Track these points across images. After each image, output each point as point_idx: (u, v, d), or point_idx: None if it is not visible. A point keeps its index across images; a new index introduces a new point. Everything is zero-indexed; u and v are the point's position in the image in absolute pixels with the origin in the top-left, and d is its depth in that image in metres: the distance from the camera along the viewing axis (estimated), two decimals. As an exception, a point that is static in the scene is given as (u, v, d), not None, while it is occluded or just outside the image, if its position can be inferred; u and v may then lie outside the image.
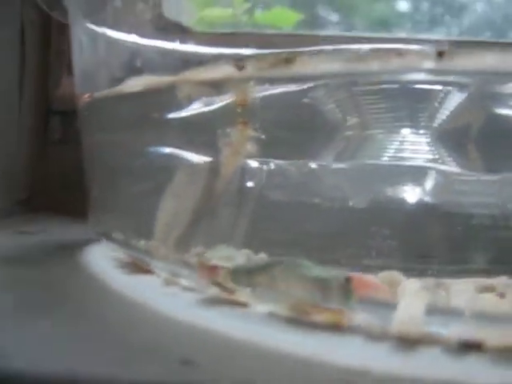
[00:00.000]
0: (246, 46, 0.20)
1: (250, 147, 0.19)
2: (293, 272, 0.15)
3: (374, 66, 0.15)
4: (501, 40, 0.22)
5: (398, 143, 0.18)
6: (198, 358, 0.12)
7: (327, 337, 0.13)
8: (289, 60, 0.14)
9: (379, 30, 0.22)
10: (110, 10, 0.25)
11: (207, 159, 0.20)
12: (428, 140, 0.18)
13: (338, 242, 0.18)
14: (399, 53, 0.14)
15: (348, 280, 0.14)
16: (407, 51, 0.14)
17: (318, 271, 0.15)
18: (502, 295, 0.15)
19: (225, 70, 0.16)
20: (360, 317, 0.13)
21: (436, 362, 0.12)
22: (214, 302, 0.16)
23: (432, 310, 0.13)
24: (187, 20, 0.29)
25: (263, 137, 0.19)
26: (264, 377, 0.11)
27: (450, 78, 0.16)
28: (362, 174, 0.18)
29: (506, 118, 0.18)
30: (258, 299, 0.15)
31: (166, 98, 0.20)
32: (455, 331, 0.12)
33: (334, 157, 0.19)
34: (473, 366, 0.12)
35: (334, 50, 0.18)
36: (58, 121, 0.34)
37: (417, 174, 0.18)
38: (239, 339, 0.13)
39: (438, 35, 0.22)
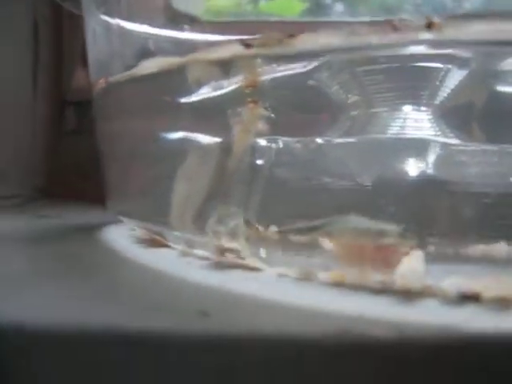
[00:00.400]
0: (252, 34, 0.21)
1: (261, 125, 0.19)
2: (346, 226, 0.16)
3: (373, 39, 0.16)
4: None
5: (401, 120, 0.19)
6: (212, 310, 0.13)
7: (332, 293, 0.14)
8: (291, 36, 0.15)
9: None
10: (122, 0, 0.26)
11: (218, 140, 0.21)
12: (430, 117, 0.19)
13: (345, 215, 0.18)
14: (394, 26, 0.15)
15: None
16: (401, 24, 0.15)
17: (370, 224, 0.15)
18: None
19: (232, 49, 0.17)
20: (361, 274, 0.14)
21: (434, 311, 0.13)
22: (227, 266, 0.17)
23: (432, 265, 0.14)
24: (195, 10, 0.30)
25: (273, 115, 0.19)
26: (271, 326, 0.12)
27: (449, 51, 0.17)
28: (368, 147, 0.19)
29: (508, 95, 0.18)
30: (270, 264, 0.16)
31: (177, 81, 0.21)
32: (453, 284, 0.13)
33: (341, 135, 0.19)
34: (470, 314, 0.13)
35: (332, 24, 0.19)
36: (73, 111, 0.35)
37: (420, 147, 0.18)
38: (250, 295, 0.14)
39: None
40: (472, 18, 0.16)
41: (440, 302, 0.13)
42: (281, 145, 0.20)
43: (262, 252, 0.17)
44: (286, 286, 0.15)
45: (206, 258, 0.18)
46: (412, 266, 0.13)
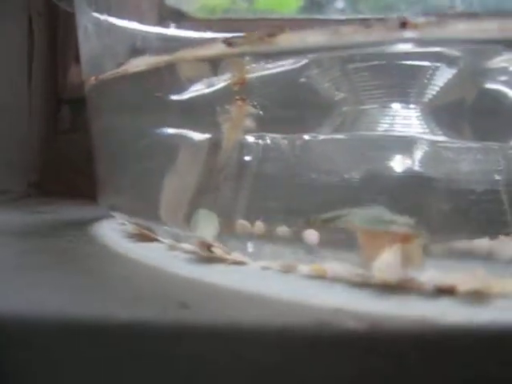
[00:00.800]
0: (247, 31, 0.22)
1: (249, 123, 0.20)
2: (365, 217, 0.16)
3: (358, 38, 0.16)
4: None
5: (390, 118, 0.19)
6: (192, 302, 0.13)
7: (312, 285, 0.14)
8: (271, 35, 0.15)
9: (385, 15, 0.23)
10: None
11: (207, 136, 0.21)
12: (418, 114, 0.19)
13: (332, 210, 0.19)
14: (368, 25, 0.15)
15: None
16: (374, 23, 0.15)
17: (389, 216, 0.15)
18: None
19: (216, 47, 0.18)
20: (341, 267, 0.15)
21: (411, 303, 0.13)
22: (212, 260, 0.17)
23: (409, 259, 0.14)
24: (188, 7, 0.31)
25: (261, 113, 0.20)
26: (249, 317, 0.12)
27: (437, 49, 0.17)
28: (355, 144, 0.19)
29: (496, 92, 0.19)
30: (254, 257, 0.17)
31: (168, 78, 0.22)
32: (430, 277, 0.14)
33: (331, 131, 0.20)
34: (445, 306, 0.13)
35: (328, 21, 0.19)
36: (68, 109, 0.35)
37: (408, 145, 0.19)
38: (231, 288, 0.14)
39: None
40: (457, 17, 0.17)
41: (417, 296, 0.13)
42: (268, 141, 0.20)
43: (250, 246, 0.18)
44: (268, 279, 0.15)
45: (193, 252, 0.18)
46: (389, 260, 0.14)
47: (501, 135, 0.18)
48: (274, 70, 0.21)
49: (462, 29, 0.17)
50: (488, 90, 0.18)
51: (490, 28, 0.17)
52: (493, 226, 0.17)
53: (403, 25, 0.14)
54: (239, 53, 0.18)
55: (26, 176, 0.33)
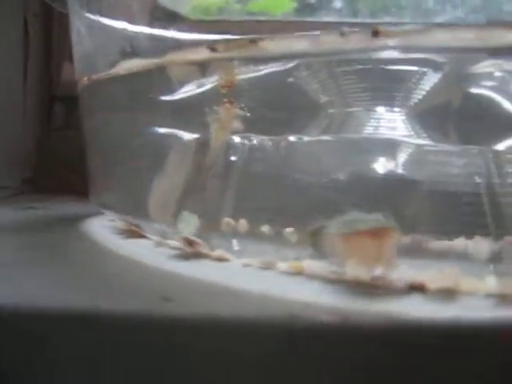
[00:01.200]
0: (241, 32, 0.22)
1: (236, 124, 0.20)
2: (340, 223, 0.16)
3: (336, 45, 0.17)
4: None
5: (375, 121, 0.20)
6: (175, 296, 0.14)
7: (289, 281, 0.15)
8: (252, 41, 0.16)
9: (382, 17, 0.23)
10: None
11: (195, 136, 0.22)
12: (403, 118, 0.20)
13: (316, 210, 0.19)
14: (342, 33, 0.16)
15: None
16: (348, 32, 0.16)
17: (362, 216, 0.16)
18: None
19: (201, 52, 0.18)
20: (318, 264, 0.15)
21: (381, 300, 0.14)
22: (196, 256, 0.18)
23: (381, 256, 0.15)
24: (182, 8, 0.31)
25: (249, 115, 0.20)
26: (226, 310, 0.13)
27: (422, 56, 0.18)
28: (339, 146, 0.20)
29: (481, 97, 0.19)
30: (236, 255, 0.17)
31: (158, 80, 0.22)
32: (401, 275, 0.14)
33: (318, 133, 0.20)
34: (415, 303, 0.14)
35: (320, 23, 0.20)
36: (61, 107, 0.36)
37: (391, 147, 0.19)
38: (212, 282, 0.15)
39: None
40: (438, 26, 0.17)
41: (388, 292, 0.14)
42: (254, 142, 0.21)
43: (233, 244, 0.18)
44: (248, 275, 0.16)
45: (179, 249, 0.19)
46: (360, 258, 0.14)
47: (483, 139, 0.19)
48: (262, 72, 0.21)
49: (441, 37, 0.18)
50: (473, 94, 0.19)
51: (468, 37, 0.18)
52: (473, 228, 0.18)
53: (375, 33, 0.15)
54: (223, 58, 0.18)
55: (20, 173, 0.34)
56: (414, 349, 0.12)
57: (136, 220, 0.21)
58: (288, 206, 0.20)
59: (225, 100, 0.20)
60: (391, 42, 0.16)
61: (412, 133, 0.20)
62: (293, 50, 0.17)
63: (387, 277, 0.14)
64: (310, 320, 0.12)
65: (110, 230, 0.23)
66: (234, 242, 0.18)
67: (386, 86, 0.20)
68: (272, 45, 0.17)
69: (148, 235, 0.21)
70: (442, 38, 0.18)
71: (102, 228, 0.23)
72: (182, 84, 0.22)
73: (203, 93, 0.21)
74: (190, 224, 0.19)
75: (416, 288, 0.14)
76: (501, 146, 0.19)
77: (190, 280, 0.15)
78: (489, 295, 0.14)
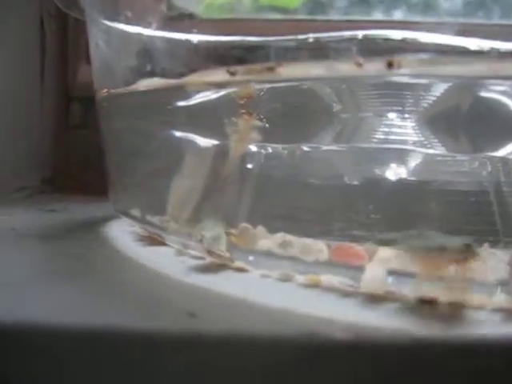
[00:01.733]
0: (252, 31, 0.23)
1: (255, 135, 0.21)
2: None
3: (353, 71, 0.17)
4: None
5: (386, 127, 0.20)
6: (200, 311, 0.14)
7: (306, 294, 0.16)
8: (270, 69, 0.17)
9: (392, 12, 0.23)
10: (123, 5, 0.27)
11: (215, 142, 0.22)
12: (413, 124, 0.20)
13: (329, 216, 0.20)
14: (358, 63, 0.16)
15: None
16: (364, 63, 0.17)
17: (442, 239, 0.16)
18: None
19: (220, 75, 0.19)
20: (336, 278, 0.16)
21: (394, 314, 0.14)
22: (217, 267, 0.19)
23: (395, 273, 0.15)
24: (195, 7, 0.31)
25: (267, 125, 0.21)
26: (246, 327, 0.14)
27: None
28: (351, 155, 0.21)
29: (491, 102, 0.20)
30: (255, 266, 0.18)
31: (177, 93, 0.23)
32: (413, 289, 0.15)
33: (333, 138, 0.21)
34: (424, 319, 0.14)
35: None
36: (78, 106, 0.37)
37: (400, 156, 0.20)
38: (235, 297, 0.16)
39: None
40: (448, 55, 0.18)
41: (400, 307, 0.15)
42: (270, 151, 0.21)
43: (251, 256, 0.19)
44: (267, 288, 0.17)
45: (200, 257, 0.20)
46: (375, 273, 0.15)
47: (493, 143, 0.19)
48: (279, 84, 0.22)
49: (453, 70, 0.18)
50: (483, 98, 0.20)
51: (479, 69, 0.19)
52: (483, 235, 0.18)
53: (390, 65, 0.15)
54: (241, 81, 0.19)
55: (40, 173, 0.35)
56: (428, 365, 0.13)
57: (154, 229, 0.22)
58: (303, 213, 0.20)
59: (243, 111, 0.21)
60: (405, 71, 0.16)
61: (423, 138, 0.20)
62: (309, 75, 0.18)
63: (399, 291, 0.15)
64: (325, 337, 0.13)
65: (131, 235, 0.23)
66: (252, 255, 0.19)
67: (396, 92, 0.20)
68: (288, 71, 0.17)
69: (169, 243, 0.22)
70: (455, 70, 0.18)
71: (123, 233, 0.24)
72: (200, 93, 0.22)
73: (221, 103, 0.22)
74: (215, 233, 0.20)
75: (427, 302, 0.15)
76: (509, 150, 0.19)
77: (210, 294, 0.16)
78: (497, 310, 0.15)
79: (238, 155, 0.21)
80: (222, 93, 0.22)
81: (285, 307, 0.15)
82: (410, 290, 0.15)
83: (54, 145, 0.36)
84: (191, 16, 0.34)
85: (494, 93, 0.19)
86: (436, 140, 0.20)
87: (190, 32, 0.26)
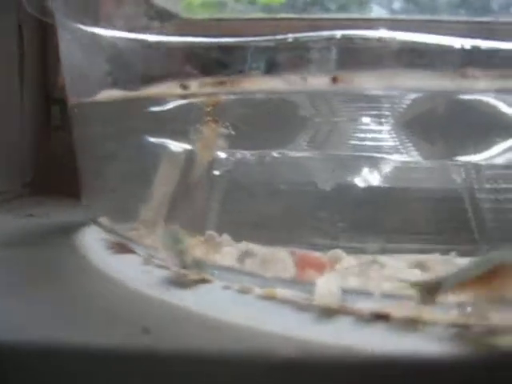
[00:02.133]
0: (232, 32, 0.23)
1: (221, 142, 0.21)
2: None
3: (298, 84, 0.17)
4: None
5: (361, 132, 0.20)
6: (155, 326, 0.15)
7: (263, 307, 0.16)
8: (222, 83, 0.16)
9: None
10: (96, 7, 0.26)
11: (186, 147, 0.22)
12: (389, 129, 0.20)
13: (295, 223, 0.20)
14: (303, 78, 0.16)
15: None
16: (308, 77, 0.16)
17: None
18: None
19: (171, 89, 0.19)
20: (290, 292, 0.16)
21: (347, 329, 0.14)
22: (181, 278, 0.19)
23: (349, 288, 0.16)
24: (175, 6, 0.31)
25: (233, 132, 0.21)
26: (198, 343, 0.14)
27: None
28: (323, 161, 0.21)
29: (468, 104, 0.19)
30: (218, 277, 0.18)
31: (144, 101, 0.23)
32: (367, 305, 0.15)
33: (307, 144, 0.21)
34: (377, 333, 0.14)
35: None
36: (59, 109, 0.36)
37: (373, 163, 0.20)
38: (193, 311, 0.16)
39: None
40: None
41: (353, 321, 0.15)
42: (238, 157, 0.21)
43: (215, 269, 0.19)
44: (226, 301, 0.17)
45: (165, 267, 0.20)
46: (329, 287, 0.15)
47: (468, 146, 0.19)
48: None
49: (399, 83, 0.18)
50: (460, 101, 0.19)
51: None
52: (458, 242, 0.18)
53: (334, 80, 0.15)
54: (195, 94, 0.19)
55: (21, 177, 0.35)
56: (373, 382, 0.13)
57: (123, 236, 0.22)
58: (270, 221, 0.20)
59: (209, 118, 0.21)
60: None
61: (398, 143, 0.20)
62: (265, 88, 0.18)
63: (353, 306, 0.15)
64: (271, 353, 0.13)
65: (102, 242, 0.23)
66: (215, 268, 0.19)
67: (371, 97, 0.20)
68: (242, 86, 0.17)
69: (136, 251, 0.22)
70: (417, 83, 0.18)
71: (95, 240, 0.24)
72: (168, 101, 0.22)
73: (189, 110, 0.22)
74: (176, 243, 0.20)
75: (380, 317, 0.15)
76: (484, 155, 0.19)
77: (169, 307, 0.16)
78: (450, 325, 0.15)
79: (205, 162, 0.21)
80: (190, 100, 0.22)
81: (238, 322, 0.15)
82: (364, 304, 0.15)
83: (34, 148, 0.36)
84: (171, 16, 0.34)
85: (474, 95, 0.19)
86: (411, 145, 0.20)
87: (167, 34, 0.25)
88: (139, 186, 0.23)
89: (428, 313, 0.15)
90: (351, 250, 0.18)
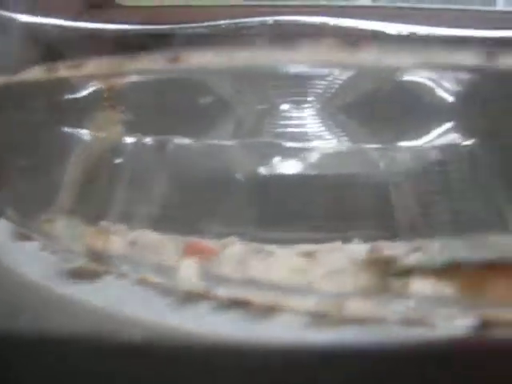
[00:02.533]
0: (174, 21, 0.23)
1: (119, 128, 0.21)
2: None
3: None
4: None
5: (283, 118, 0.20)
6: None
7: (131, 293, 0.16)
8: (78, 65, 0.17)
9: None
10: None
11: (89, 135, 0.22)
12: (314, 114, 0.20)
13: (193, 212, 0.20)
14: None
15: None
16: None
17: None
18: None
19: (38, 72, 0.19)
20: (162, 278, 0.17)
21: (203, 315, 0.15)
22: (78, 270, 0.19)
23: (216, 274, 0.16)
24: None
25: (133, 119, 0.21)
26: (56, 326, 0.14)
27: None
28: (238, 149, 0.21)
29: (397, 88, 0.20)
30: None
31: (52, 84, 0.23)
32: (227, 291, 0.16)
33: (231, 131, 0.21)
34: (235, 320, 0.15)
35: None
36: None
37: (293, 150, 0.20)
38: (67, 297, 0.16)
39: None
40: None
41: (212, 307, 0.15)
42: (140, 145, 0.22)
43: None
44: (99, 287, 0.17)
45: (60, 253, 0.20)
46: (189, 272, 0.16)
47: (396, 131, 0.19)
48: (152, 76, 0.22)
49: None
50: (389, 84, 0.20)
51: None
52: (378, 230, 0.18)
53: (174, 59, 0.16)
54: (84, 75, 0.19)
55: None
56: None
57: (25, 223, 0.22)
58: (171, 211, 0.21)
59: (105, 104, 0.21)
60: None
61: (324, 128, 0.20)
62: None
63: (213, 291, 0.16)
64: (121, 336, 0.14)
65: (6, 233, 0.23)
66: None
67: (296, 81, 0.20)
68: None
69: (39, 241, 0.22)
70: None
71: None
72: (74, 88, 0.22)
73: (86, 97, 0.22)
74: (75, 233, 0.20)
75: (240, 304, 0.16)
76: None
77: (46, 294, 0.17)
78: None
79: (103, 149, 0.21)
80: (92, 87, 0.22)
81: (101, 306, 0.15)
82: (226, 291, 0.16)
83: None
84: (112, 3, 0.34)
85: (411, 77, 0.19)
86: (339, 130, 0.20)
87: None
88: (45, 177, 0.23)
89: (286, 300, 0.15)
90: (249, 239, 0.18)
